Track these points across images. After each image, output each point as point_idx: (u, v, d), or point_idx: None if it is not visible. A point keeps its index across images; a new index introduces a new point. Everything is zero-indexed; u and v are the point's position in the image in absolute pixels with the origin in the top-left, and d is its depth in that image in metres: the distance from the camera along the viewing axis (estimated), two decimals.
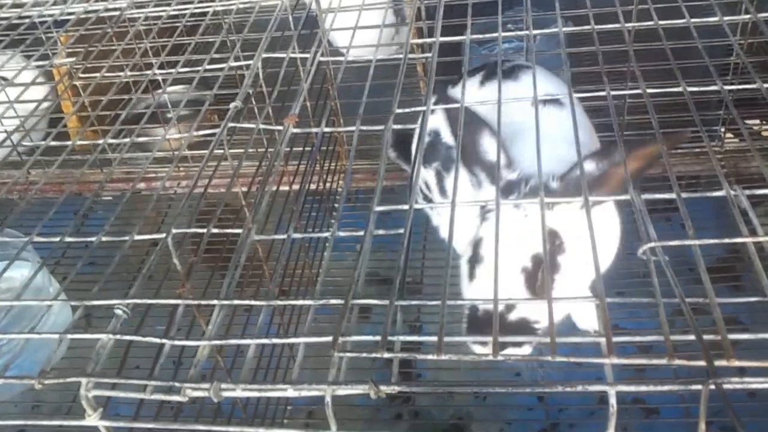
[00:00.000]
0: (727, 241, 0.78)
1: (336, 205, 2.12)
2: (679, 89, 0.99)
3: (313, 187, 1.99)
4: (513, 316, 1.29)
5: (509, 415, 1.81)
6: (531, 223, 1.26)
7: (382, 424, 1.84)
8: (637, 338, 0.73)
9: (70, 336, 0.85)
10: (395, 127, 1.10)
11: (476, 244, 1.38)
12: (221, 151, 1.30)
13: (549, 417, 1.78)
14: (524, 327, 1.30)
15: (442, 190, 1.65)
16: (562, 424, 1.76)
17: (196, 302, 0.86)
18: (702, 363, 0.66)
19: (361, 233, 0.88)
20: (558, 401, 1.77)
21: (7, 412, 1.94)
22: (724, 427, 1.64)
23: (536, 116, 1.04)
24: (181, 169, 2.51)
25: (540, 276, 1.25)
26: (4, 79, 1.67)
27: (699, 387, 0.65)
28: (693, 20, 1.18)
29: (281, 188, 1.78)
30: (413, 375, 1.94)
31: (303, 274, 1.80)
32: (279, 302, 0.83)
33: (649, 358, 0.68)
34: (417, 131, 1.42)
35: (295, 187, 1.80)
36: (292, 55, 1.38)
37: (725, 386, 0.64)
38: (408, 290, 2.08)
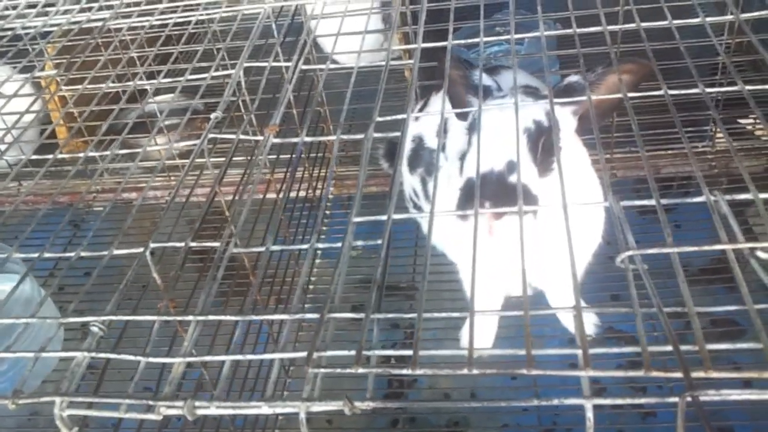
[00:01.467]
0: (706, 248, 0.77)
1: (324, 212, 2.11)
2: (661, 92, 0.98)
3: (303, 194, 1.98)
4: (513, 179, 1.25)
5: (505, 419, 1.80)
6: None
7: (378, 431, 1.82)
8: (615, 349, 0.72)
9: (44, 354, 0.84)
10: (376, 135, 1.09)
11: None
12: (204, 160, 1.29)
13: (541, 422, 1.76)
14: (524, 192, 1.22)
15: (427, 196, 1.64)
16: (558, 429, 1.74)
17: (171, 318, 0.85)
18: (679, 374, 0.65)
19: (339, 245, 0.87)
20: (553, 405, 1.76)
21: (2, 427, 1.93)
22: (721, 429, 1.63)
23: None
24: (172, 178, 2.50)
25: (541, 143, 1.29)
26: None
27: (676, 399, 0.64)
28: (675, 21, 1.17)
29: (270, 196, 1.77)
30: (407, 382, 1.92)
31: (293, 282, 1.79)
32: (254, 317, 0.82)
33: (625, 371, 0.67)
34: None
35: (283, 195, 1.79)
36: (275, 64, 1.36)
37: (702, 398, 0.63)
38: (402, 295, 2.07)
